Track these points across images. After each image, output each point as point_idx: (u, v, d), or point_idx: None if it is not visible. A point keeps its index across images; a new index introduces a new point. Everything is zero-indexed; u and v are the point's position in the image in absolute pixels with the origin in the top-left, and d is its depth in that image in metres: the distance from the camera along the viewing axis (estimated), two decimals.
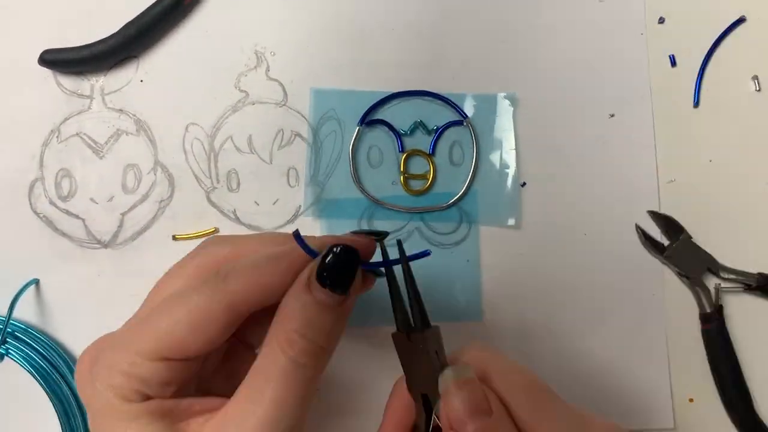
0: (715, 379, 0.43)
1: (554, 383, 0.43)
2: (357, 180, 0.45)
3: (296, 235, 0.29)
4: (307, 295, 0.27)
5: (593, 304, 0.44)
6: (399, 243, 0.32)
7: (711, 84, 0.45)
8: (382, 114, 0.45)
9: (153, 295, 0.32)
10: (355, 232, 0.32)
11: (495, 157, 0.45)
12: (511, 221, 0.44)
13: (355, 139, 0.45)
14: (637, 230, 0.44)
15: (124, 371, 0.28)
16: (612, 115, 0.45)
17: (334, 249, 0.28)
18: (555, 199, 0.45)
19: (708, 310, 0.43)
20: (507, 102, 0.45)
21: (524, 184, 0.45)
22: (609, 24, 0.45)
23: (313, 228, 0.45)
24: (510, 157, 0.45)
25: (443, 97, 0.45)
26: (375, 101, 0.45)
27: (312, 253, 0.29)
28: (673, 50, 0.45)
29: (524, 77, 0.45)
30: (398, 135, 0.45)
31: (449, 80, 0.45)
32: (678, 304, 0.44)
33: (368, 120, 0.45)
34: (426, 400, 0.30)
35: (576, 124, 0.45)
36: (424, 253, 0.30)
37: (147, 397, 0.28)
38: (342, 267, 0.28)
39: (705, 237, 0.44)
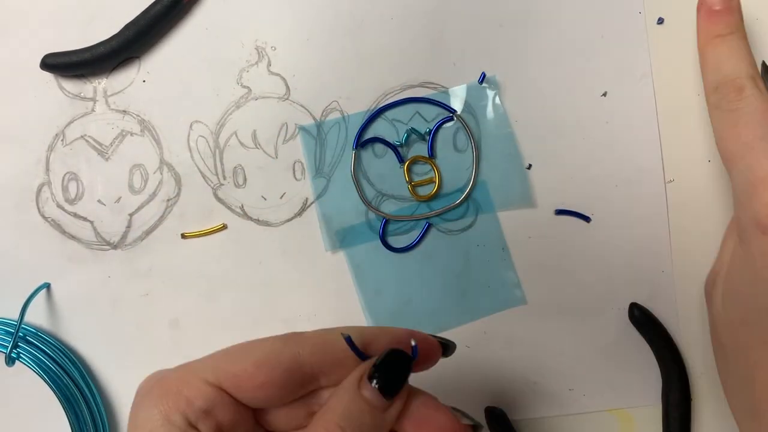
0: None
1: (577, 365, 0.43)
2: (367, 203, 0.45)
3: (347, 339, 0.30)
4: (356, 390, 0.29)
5: (605, 285, 0.44)
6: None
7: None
8: (376, 131, 0.45)
9: None
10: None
11: (494, 143, 0.45)
12: (526, 199, 0.44)
13: (353, 163, 0.45)
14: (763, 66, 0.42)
15: (176, 390, 0.28)
16: (604, 94, 0.44)
17: (392, 353, 0.30)
18: (563, 184, 0.45)
19: None
20: (487, 87, 0.44)
21: (530, 166, 0.45)
22: (608, 15, 0.45)
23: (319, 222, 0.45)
24: (508, 140, 0.45)
25: (428, 99, 0.45)
26: (363, 121, 0.44)
27: (361, 356, 0.30)
28: (674, 47, 0.44)
29: (524, 63, 0.45)
30: (394, 148, 0.45)
31: (450, 67, 0.45)
32: (686, 281, 0.44)
33: (362, 142, 0.45)
34: None
35: (574, 105, 0.45)
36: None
37: (189, 425, 0.28)
38: (393, 370, 0.29)
39: (705, 237, 0.44)
